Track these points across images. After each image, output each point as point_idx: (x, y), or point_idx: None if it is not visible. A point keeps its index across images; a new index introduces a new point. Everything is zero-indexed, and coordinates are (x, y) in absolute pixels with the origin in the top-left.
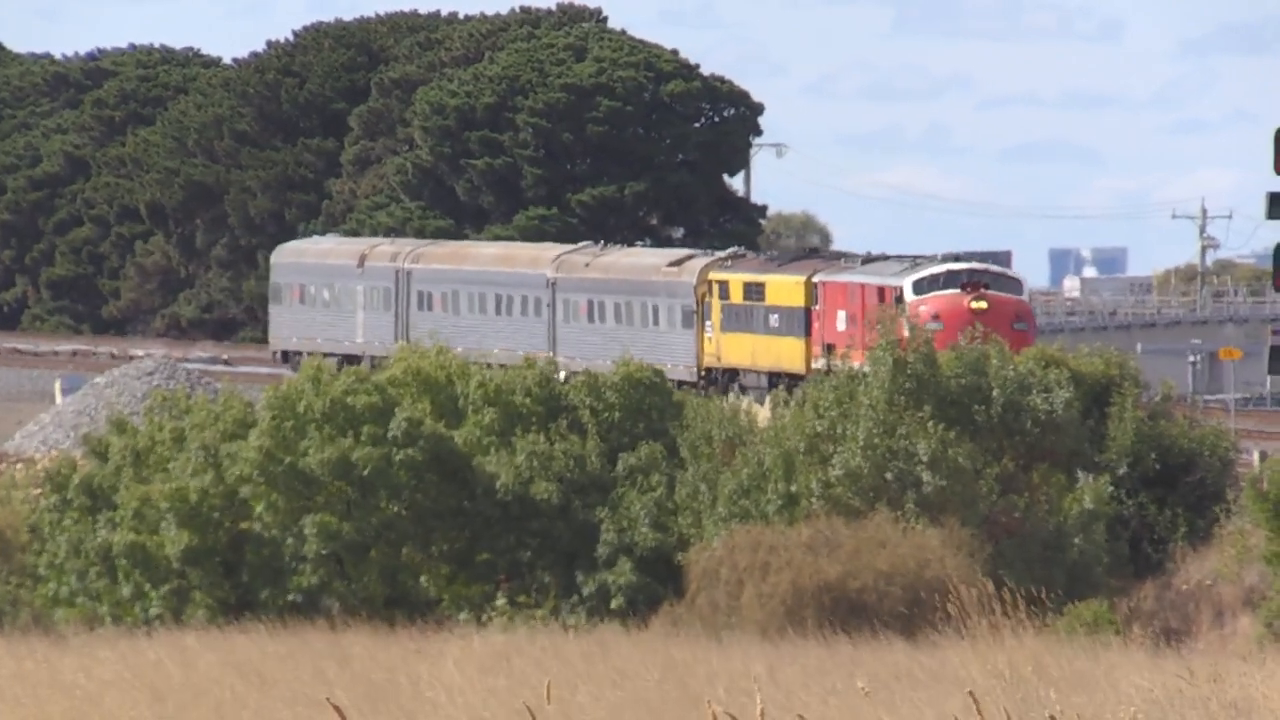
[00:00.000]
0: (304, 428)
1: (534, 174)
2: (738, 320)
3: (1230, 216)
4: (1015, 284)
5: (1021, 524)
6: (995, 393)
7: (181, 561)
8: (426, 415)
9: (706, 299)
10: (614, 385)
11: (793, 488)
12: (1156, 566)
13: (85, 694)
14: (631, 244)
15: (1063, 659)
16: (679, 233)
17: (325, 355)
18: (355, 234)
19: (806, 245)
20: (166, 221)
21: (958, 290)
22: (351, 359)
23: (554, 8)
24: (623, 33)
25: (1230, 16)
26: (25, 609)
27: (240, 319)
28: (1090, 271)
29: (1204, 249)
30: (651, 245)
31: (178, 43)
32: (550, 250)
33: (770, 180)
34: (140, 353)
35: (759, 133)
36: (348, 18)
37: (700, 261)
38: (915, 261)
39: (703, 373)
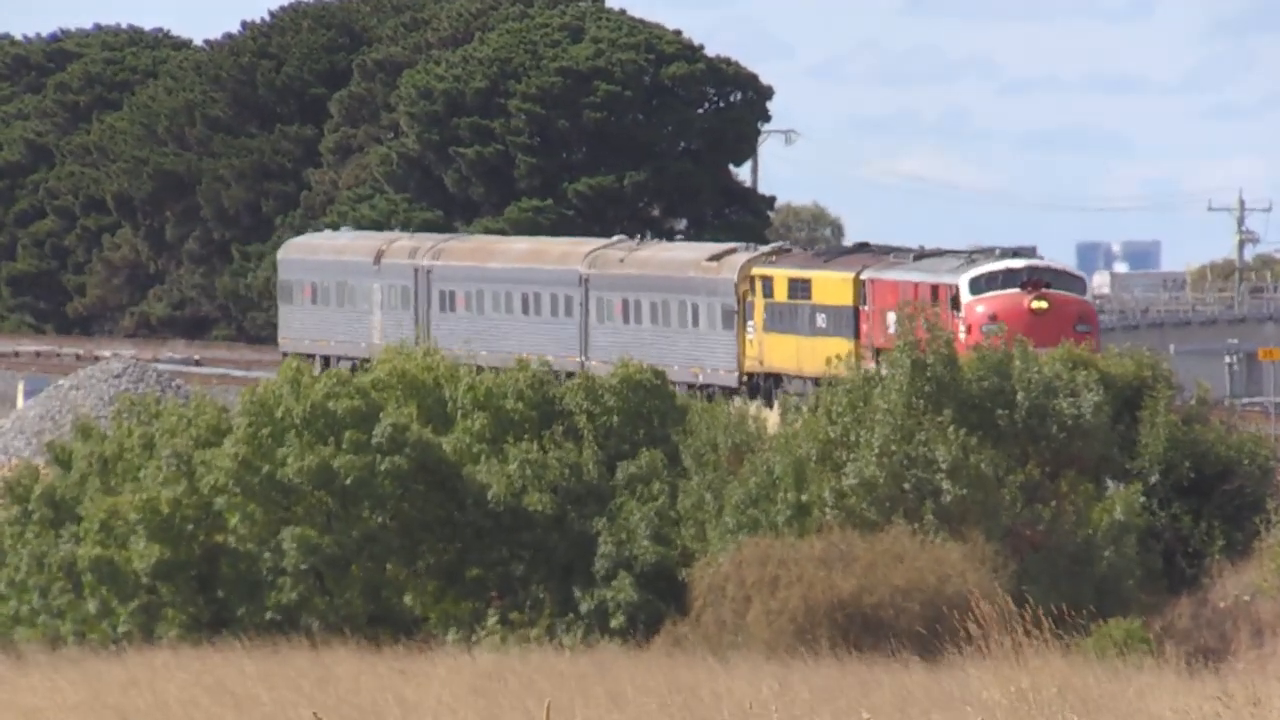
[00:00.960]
0: (282, 434)
1: (527, 163)
2: (782, 320)
3: (1269, 209)
4: (1078, 282)
5: (1047, 536)
6: (1019, 396)
7: (152, 576)
8: (413, 420)
9: (749, 297)
10: (612, 388)
11: (804, 497)
12: (1191, 582)
13: (47, 719)
14: (668, 238)
15: (1091, 680)
16: (681, 225)
17: (340, 358)
18: (337, 227)
19: (817, 238)
20: (135, 213)
21: (1017, 289)
22: (368, 362)
23: None
24: (621, 12)
25: None
26: None
27: (213, 317)
28: (1121, 267)
29: (1241, 243)
30: (654, 238)
31: (146, 23)
32: (583, 245)
33: (778, 169)
34: (107, 353)
35: (767, 118)
36: None
37: (742, 256)
38: (971, 257)
39: (744, 377)
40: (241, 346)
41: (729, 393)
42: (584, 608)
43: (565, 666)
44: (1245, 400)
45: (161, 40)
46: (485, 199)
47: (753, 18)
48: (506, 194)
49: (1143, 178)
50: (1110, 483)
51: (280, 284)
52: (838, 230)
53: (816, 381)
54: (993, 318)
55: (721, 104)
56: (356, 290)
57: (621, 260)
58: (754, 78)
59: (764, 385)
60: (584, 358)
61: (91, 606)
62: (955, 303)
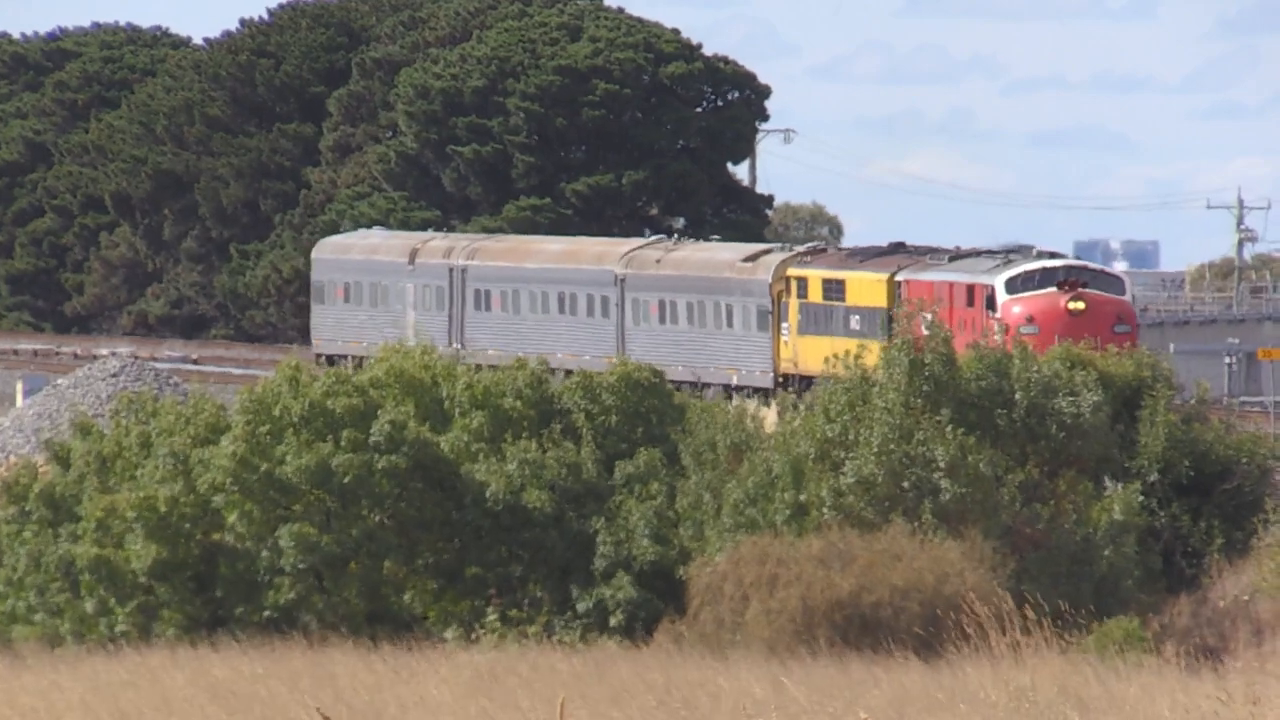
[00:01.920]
0: (280, 433)
1: (525, 162)
2: (816, 322)
3: (1269, 207)
4: (1116, 282)
5: (1046, 535)
6: (1018, 395)
7: (149, 576)
8: (410, 419)
9: (783, 298)
10: (610, 387)
11: (802, 497)
12: (1191, 581)
13: (45, 718)
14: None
15: (1090, 680)
16: (679, 224)
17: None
18: (335, 226)
19: (816, 237)
20: (133, 212)
21: (1054, 289)
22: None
23: None
24: (620, 11)
25: None
26: None
27: (211, 316)
28: (1120, 265)
29: (1241, 242)
30: (650, 235)
31: (145, 21)
32: (620, 245)
33: (777, 168)
34: (105, 351)
35: (765, 117)
36: None
37: (777, 257)
38: (1007, 258)
39: (779, 379)
40: (239, 345)
41: (765, 396)
42: (582, 606)
43: (564, 665)
44: (1244, 399)
45: (160, 39)
46: (483, 198)
47: (757, 17)
48: (504, 193)
49: (1144, 177)
50: (1109, 482)
51: (313, 284)
52: (836, 230)
53: None
54: (1029, 319)
55: (720, 103)
56: (390, 290)
57: (658, 261)
58: (752, 77)
59: (799, 388)
60: (621, 359)
61: (89, 605)
62: (991, 303)
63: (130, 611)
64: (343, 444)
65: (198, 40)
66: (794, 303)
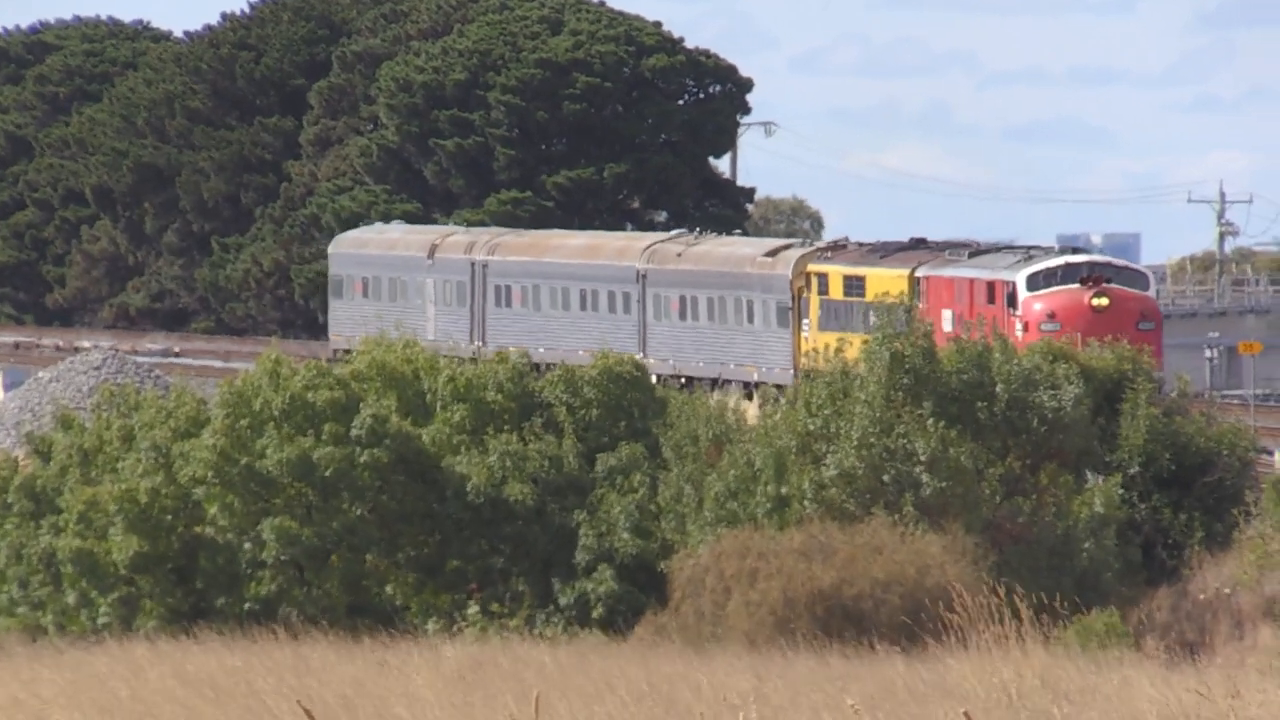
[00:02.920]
0: (261, 426)
1: (507, 155)
2: (836, 318)
3: (1250, 201)
4: (1140, 278)
5: (1027, 528)
6: (999, 389)
7: (131, 568)
8: (392, 412)
9: (804, 294)
10: (592, 380)
11: (784, 489)
12: (1171, 574)
13: (27, 710)
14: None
15: (1071, 672)
16: (661, 217)
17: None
18: (316, 220)
19: (797, 231)
20: (114, 205)
21: (1077, 285)
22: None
23: None
24: (601, 4)
25: None
26: None
27: (192, 309)
28: None
29: (1222, 235)
30: (634, 229)
31: (126, 15)
32: (641, 240)
33: (758, 161)
34: (87, 344)
35: (747, 111)
36: None
37: (797, 252)
38: (1029, 254)
39: (799, 377)
40: (221, 338)
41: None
42: (564, 600)
43: (545, 658)
44: (1225, 393)
45: (141, 32)
46: (465, 191)
47: (735, 10)
48: (486, 186)
49: (1124, 170)
50: (1090, 475)
51: (330, 278)
52: (817, 223)
53: None
54: (1051, 315)
55: (701, 96)
56: (409, 285)
57: (679, 255)
58: (733, 70)
59: None
60: (642, 355)
61: (71, 598)
62: (1012, 300)
63: (112, 603)
64: (324, 437)
65: (179, 33)
66: (814, 299)
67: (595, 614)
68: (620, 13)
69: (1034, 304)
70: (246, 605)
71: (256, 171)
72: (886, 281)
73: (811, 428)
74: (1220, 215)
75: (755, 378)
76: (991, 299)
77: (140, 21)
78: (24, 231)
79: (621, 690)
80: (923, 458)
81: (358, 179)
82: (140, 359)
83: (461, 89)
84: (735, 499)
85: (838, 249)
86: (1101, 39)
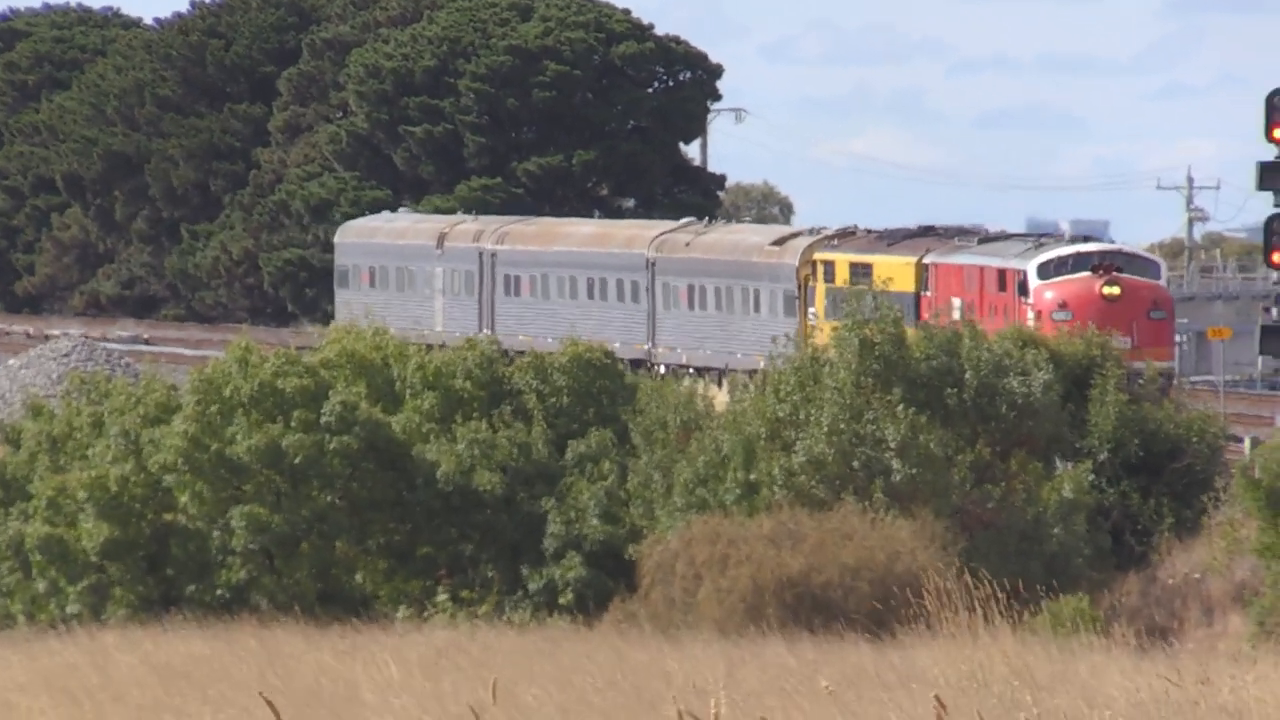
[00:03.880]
0: (231, 413)
1: (476, 142)
2: (843, 306)
3: (1219, 187)
4: (1152, 267)
5: (997, 514)
6: (969, 375)
7: (101, 555)
8: (362, 400)
9: (810, 282)
10: (562, 367)
11: (753, 476)
12: (1140, 559)
13: None
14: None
15: (1041, 658)
16: (630, 204)
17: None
18: (285, 207)
19: (768, 218)
20: (84, 193)
21: (1088, 274)
22: (429, 349)
23: None
24: None
25: None
26: None
27: (162, 296)
28: None
29: (1191, 221)
30: (603, 216)
31: (95, 2)
32: (651, 229)
33: (728, 148)
34: (56, 332)
35: (717, 97)
36: None
37: (804, 240)
38: (1039, 242)
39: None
40: (191, 325)
41: None
42: (533, 586)
43: (514, 644)
44: (1194, 379)
45: (111, 19)
46: (435, 178)
47: None
48: (456, 173)
49: (1094, 156)
50: (1059, 461)
51: (336, 268)
52: (787, 209)
53: None
54: (1063, 304)
55: (671, 83)
56: (417, 275)
57: (687, 244)
58: (703, 56)
59: None
60: (651, 345)
61: (40, 585)
62: (1023, 288)
63: (81, 591)
64: (293, 424)
65: (149, 21)
66: (821, 287)
67: (564, 600)
68: (590, 0)
69: (1045, 292)
70: (217, 593)
71: (226, 159)
72: (894, 269)
73: (781, 414)
74: (1189, 201)
75: (762, 366)
76: (1002, 287)
77: (110, 9)
78: None
79: (591, 676)
80: (892, 444)
81: (327, 166)
82: (110, 346)
83: (431, 76)
84: (704, 485)
85: (845, 236)
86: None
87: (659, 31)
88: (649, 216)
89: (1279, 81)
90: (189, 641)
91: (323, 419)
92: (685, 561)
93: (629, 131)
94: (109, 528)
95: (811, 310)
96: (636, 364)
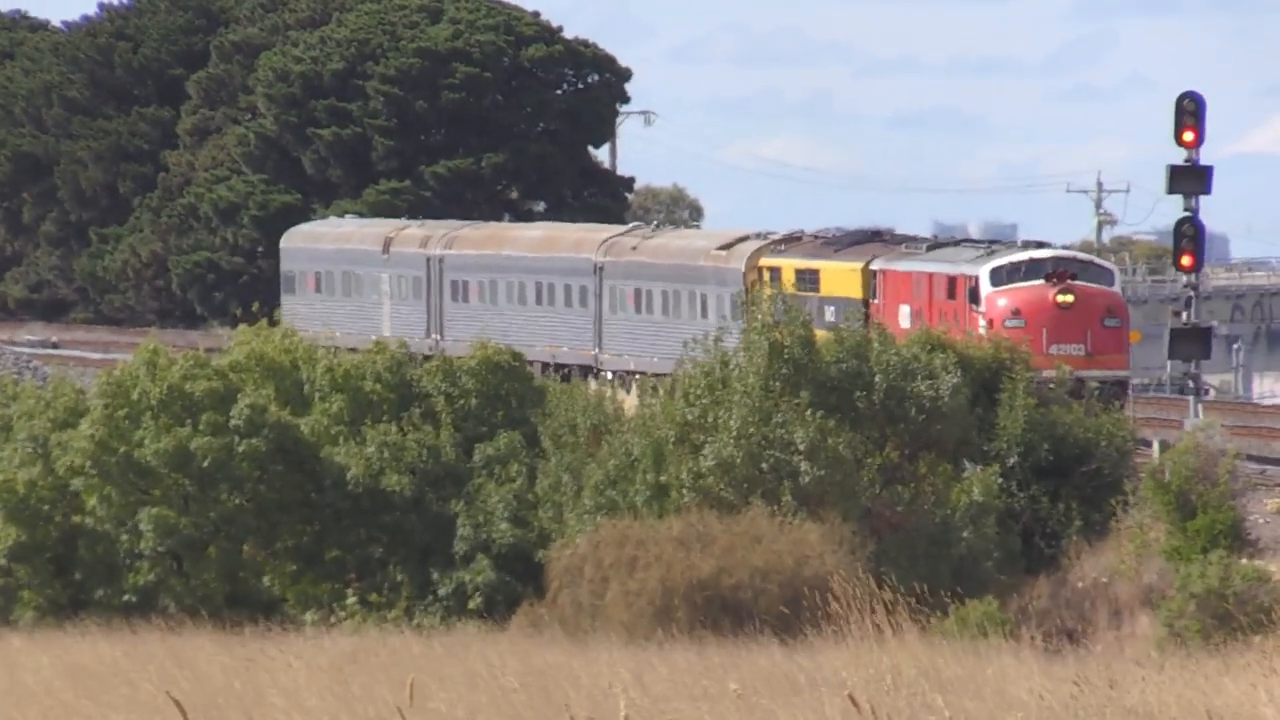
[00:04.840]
0: (139, 416)
1: (385, 145)
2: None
3: (1128, 190)
4: (1106, 274)
5: (906, 517)
6: (877, 379)
7: (8, 558)
8: (270, 402)
9: (756, 287)
10: (470, 370)
11: (662, 479)
12: (1050, 562)
13: None
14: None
15: (950, 661)
16: (540, 206)
17: (350, 350)
18: (194, 209)
19: (677, 220)
20: None
21: (1042, 281)
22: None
23: None
24: None
25: None
26: None
27: (71, 299)
28: None
29: (1100, 225)
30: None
31: (3, 5)
32: (599, 232)
33: (638, 151)
34: None
35: (626, 100)
36: None
37: (751, 245)
38: (990, 248)
39: None
40: (99, 329)
41: None
42: (442, 590)
43: (423, 648)
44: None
45: (18, 21)
46: (343, 181)
47: None
48: (364, 176)
49: (1002, 160)
50: (968, 464)
51: (282, 274)
52: (696, 212)
53: None
54: (1015, 312)
55: (580, 85)
56: (364, 280)
57: (634, 248)
58: (612, 59)
59: None
60: (598, 351)
61: None
62: (974, 296)
63: None
64: (201, 427)
65: (57, 23)
66: (767, 293)
67: (473, 604)
68: (499, 2)
69: (998, 300)
70: (125, 596)
71: (134, 161)
72: (840, 275)
73: (690, 417)
74: (1098, 205)
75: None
76: (952, 294)
77: (18, 11)
78: None
79: (501, 679)
80: (801, 447)
81: (235, 169)
82: (18, 349)
83: (340, 78)
84: (614, 488)
85: (791, 241)
86: (981, 29)
87: (568, 34)
88: (558, 220)
89: (1189, 85)
90: (98, 645)
91: (231, 422)
92: (593, 564)
93: (538, 134)
94: (17, 530)
95: None
96: (584, 370)
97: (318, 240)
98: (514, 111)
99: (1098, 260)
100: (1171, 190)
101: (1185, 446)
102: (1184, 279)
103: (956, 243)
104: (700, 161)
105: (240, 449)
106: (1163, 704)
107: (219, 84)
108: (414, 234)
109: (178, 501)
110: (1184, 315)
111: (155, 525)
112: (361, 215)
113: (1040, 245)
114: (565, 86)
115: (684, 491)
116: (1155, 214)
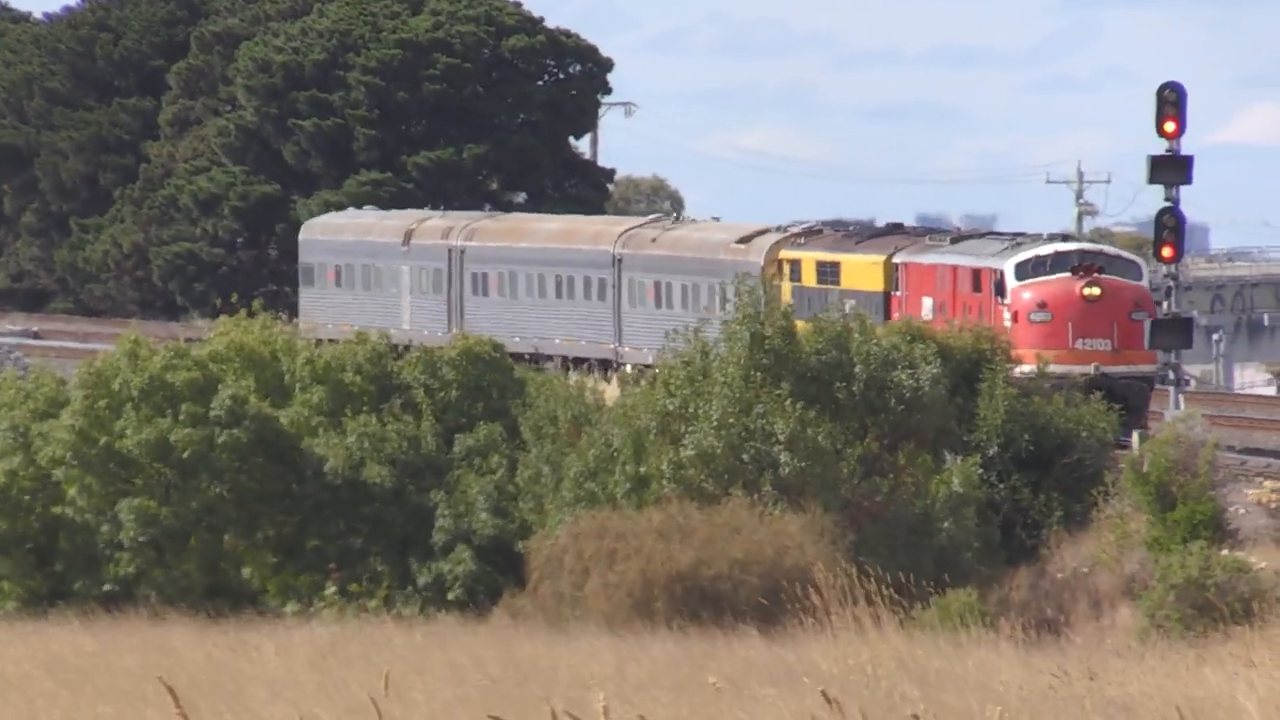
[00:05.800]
0: (120, 406)
1: (366, 135)
2: (810, 306)
3: (1109, 181)
4: (1133, 268)
5: (886, 508)
6: (858, 369)
7: None
8: (251, 393)
9: (775, 280)
10: (451, 361)
11: (642, 470)
12: (1030, 553)
13: None
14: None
15: (930, 653)
16: (521, 197)
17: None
18: (174, 200)
19: (659, 210)
20: None
21: (1068, 274)
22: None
23: None
24: None
25: None
26: None
27: (52, 290)
28: None
29: (1081, 216)
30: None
31: None
32: (618, 225)
33: (619, 141)
34: None
35: (607, 91)
36: None
37: (770, 238)
38: (1016, 240)
39: None
40: (80, 319)
41: None
42: (422, 580)
43: (403, 639)
44: None
45: (0, 14)
46: (324, 172)
47: None
48: (345, 167)
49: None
50: (948, 455)
51: (301, 266)
52: (677, 203)
53: None
54: (1041, 305)
55: (561, 76)
56: (384, 272)
57: (653, 240)
58: (594, 50)
59: None
60: (618, 344)
61: None
62: (1000, 289)
63: None
64: (182, 418)
65: (38, 15)
66: (786, 286)
67: (452, 595)
68: None
69: (1023, 293)
70: (105, 587)
71: (115, 152)
72: (862, 268)
73: (670, 408)
74: (1079, 195)
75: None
76: (977, 287)
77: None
78: None
79: (481, 670)
80: (781, 438)
81: (216, 160)
82: None
83: (321, 69)
84: (594, 479)
85: (812, 234)
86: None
87: (549, 25)
88: (539, 210)
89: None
90: (78, 635)
91: (212, 413)
92: (573, 555)
93: (519, 125)
94: None
95: None
96: (604, 365)
97: (338, 232)
98: (495, 102)
99: (1125, 254)
100: (1152, 180)
101: (1165, 437)
102: (1164, 269)
103: (981, 235)
104: (680, 152)
105: (221, 440)
106: (1144, 694)
107: (199, 75)
108: (435, 225)
109: (158, 492)
110: (1164, 305)
111: (136, 516)
112: (349, 206)
113: (1065, 238)
114: (546, 77)
115: (664, 482)
116: (1136, 204)
